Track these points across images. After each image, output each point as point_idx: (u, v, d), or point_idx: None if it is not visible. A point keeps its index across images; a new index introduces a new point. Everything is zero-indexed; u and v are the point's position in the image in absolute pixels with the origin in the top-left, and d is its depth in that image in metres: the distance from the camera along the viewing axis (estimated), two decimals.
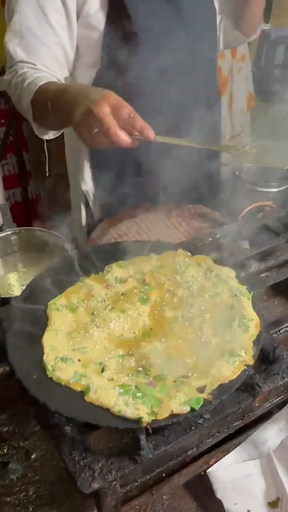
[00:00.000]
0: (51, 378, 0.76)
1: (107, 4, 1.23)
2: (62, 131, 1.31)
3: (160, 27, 1.30)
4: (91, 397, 0.73)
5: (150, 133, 0.96)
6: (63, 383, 0.76)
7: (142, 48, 1.24)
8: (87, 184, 1.52)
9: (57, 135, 1.30)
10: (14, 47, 1.22)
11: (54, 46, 1.24)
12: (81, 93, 1.00)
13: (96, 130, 0.93)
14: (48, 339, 0.82)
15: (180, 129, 1.24)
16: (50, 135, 1.28)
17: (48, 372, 0.77)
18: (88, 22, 1.24)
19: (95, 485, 0.66)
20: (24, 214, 2.87)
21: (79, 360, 0.80)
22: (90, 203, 1.55)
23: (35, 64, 1.23)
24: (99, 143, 0.96)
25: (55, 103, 1.07)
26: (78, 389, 0.75)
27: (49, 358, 0.79)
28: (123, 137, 0.93)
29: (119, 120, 0.93)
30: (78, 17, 1.24)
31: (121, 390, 0.72)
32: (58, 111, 1.07)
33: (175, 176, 1.36)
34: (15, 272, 1.32)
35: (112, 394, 0.71)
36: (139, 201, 1.45)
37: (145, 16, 1.25)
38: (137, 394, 0.71)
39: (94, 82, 1.31)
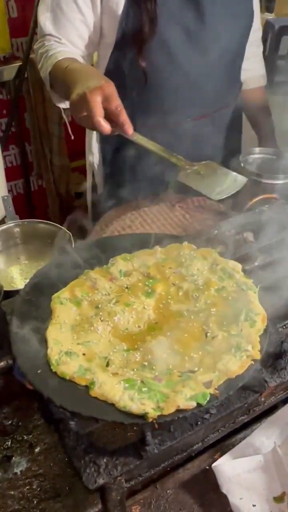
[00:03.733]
0: (55, 373, 0.75)
1: None
2: None
3: (180, 18, 1.34)
4: (96, 391, 0.72)
5: (128, 130, 1.06)
6: (67, 378, 0.75)
7: (158, 33, 1.30)
8: (94, 156, 1.61)
9: None
10: (45, 21, 1.34)
11: (80, 23, 1.33)
12: (84, 77, 1.10)
13: (84, 114, 1.03)
14: (52, 333, 0.81)
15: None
16: (67, 104, 1.36)
17: (52, 367, 0.76)
18: (108, 5, 1.30)
19: (100, 481, 0.65)
20: (26, 206, 2.86)
21: (83, 354, 0.79)
22: (96, 176, 1.62)
23: (60, 39, 1.33)
24: (85, 124, 1.08)
25: (64, 78, 1.19)
26: (83, 383, 0.74)
27: (53, 352, 0.78)
28: (104, 126, 1.03)
29: (106, 109, 1.03)
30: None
31: (127, 385, 0.71)
32: (64, 86, 1.17)
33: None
34: (18, 265, 1.31)
35: (117, 389, 0.71)
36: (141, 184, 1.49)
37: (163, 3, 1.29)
38: (143, 389, 0.70)
39: (110, 61, 1.40)
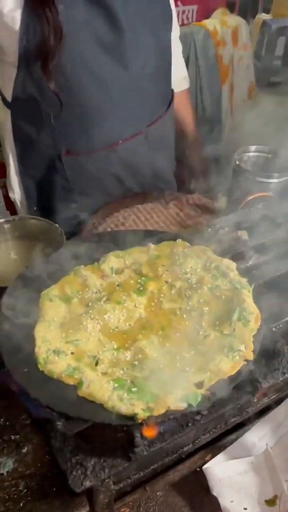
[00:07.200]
0: (42, 372, 0.73)
1: (23, 4, 1.10)
2: None
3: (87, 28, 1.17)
4: (84, 391, 0.70)
5: None
6: (55, 377, 0.73)
7: (67, 46, 1.13)
8: (15, 192, 1.43)
9: None
10: None
11: None
12: None
13: None
14: (40, 331, 0.79)
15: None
16: None
17: (39, 365, 0.74)
18: (3, 21, 1.12)
19: (87, 484, 0.64)
20: None
21: (72, 353, 0.77)
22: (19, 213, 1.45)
23: None
24: None
25: None
26: (71, 383, 0.72)
27: (41, 351, 0.76)
28: None
29: None
30: None
31: (116, 385, 0.69)
32: None
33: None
34: (8, 261, 1.29)
35: (106, 389, 0.69)
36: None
37: (66, 15, 1.11)
38: (132, 389, 0.69)
39: (17, 86, 1.21)
